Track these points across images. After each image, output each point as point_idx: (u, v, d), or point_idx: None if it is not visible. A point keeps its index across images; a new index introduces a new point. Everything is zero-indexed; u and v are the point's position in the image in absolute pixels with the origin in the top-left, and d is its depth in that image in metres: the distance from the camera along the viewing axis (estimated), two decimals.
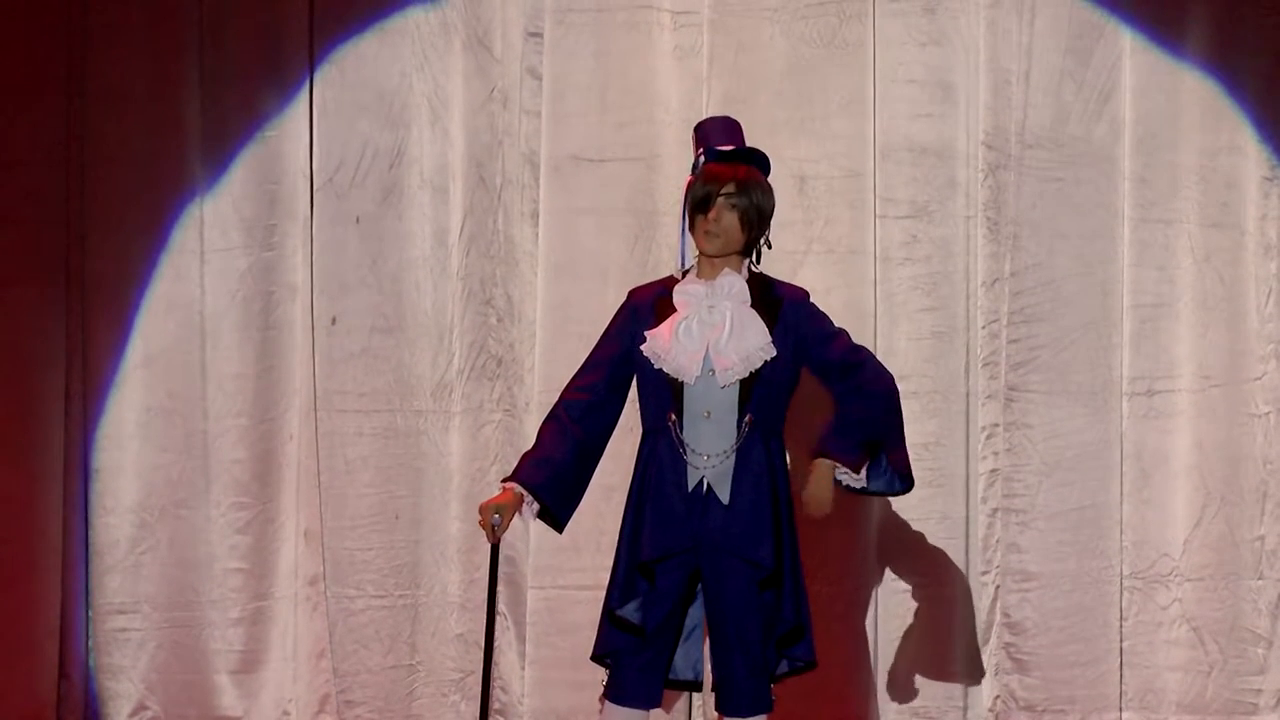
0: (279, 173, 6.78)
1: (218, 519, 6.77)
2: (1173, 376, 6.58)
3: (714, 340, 5.09)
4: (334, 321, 6.75)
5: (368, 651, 6.73)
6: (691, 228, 5.16)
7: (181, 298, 6.80)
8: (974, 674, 6.60)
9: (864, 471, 5.13)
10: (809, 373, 5.22)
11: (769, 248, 5.23)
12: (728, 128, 5.29)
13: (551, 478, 5.18)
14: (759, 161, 5.22)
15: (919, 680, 6.59)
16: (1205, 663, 6.56)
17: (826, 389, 5.23)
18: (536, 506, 5.19)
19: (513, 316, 6.73)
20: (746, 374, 5.09)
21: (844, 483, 5.13)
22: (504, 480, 5.23)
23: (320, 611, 6.74)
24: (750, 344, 5.09)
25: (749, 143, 5.27)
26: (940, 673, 6.60)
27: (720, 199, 5.12)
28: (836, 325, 5.22)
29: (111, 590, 6.77)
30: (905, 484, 5.19)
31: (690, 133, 5.38)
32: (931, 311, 6.63)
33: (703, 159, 5.21)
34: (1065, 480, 6.59)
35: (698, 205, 5.13)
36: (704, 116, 6.39)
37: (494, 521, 5.11)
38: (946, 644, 6.61)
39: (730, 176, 5.13)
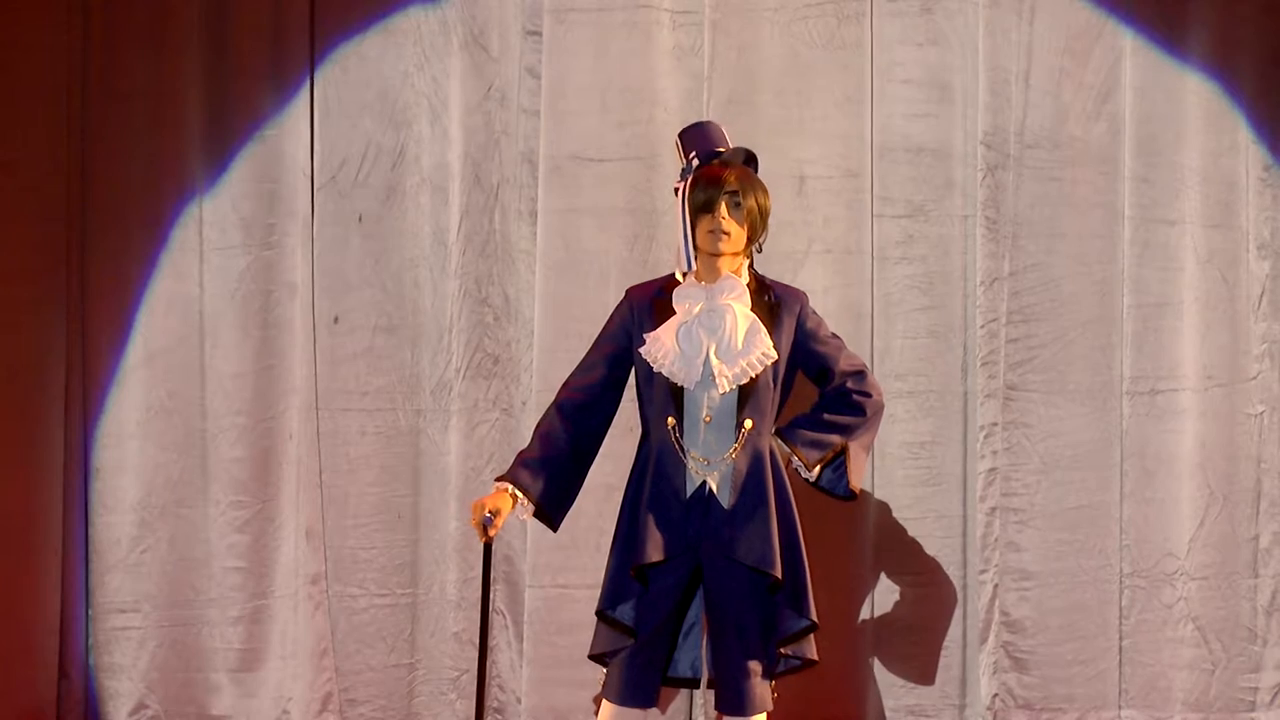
0: (279, 171, 6.77)
1: (217, 517, 6.76)
2: (1176, 376, 6.58)
3: (714, 345, 5.10)
4: (336, 320, 6.75)
5: (370, 650, 6.74)
6: (694, 230, 5.17)
7: (181, 296, 6.79)
8: (972, 672, 6.61)
9: (817, 469, 5.17)
10: (802, 374, 5.25)
11: (759, 250, 5.24)
12: (715, 132, 5.32)
13: (545, 478, 5.19)
14: (752, 162, 5.24)
15: (917, 678, 6.61)
16: (1210, 661, 6.57)
17: (818, 388, 5.25)
18: (531, 507, 5.20)
19: (509, 315, 6.73)
20: (747, 379, 5.09)
21: (794, 466, 5.17)
22: (497, 479, 5.23)
23: (322, 610, 6.74)
24: (750, 348, 5.09)
25: (750, 143, 5.29)
26: (938, 671, 6.61)
27: (724, 199, 5.13)
28: (833, 331, 5.26)
29: (111, 589, 6.77)
30: (849, 493, 5.21)
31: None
32: (928, 310, 6.64)
33: (696, 162, 5.22)
34: (1064, 479, 6.60)
35: (702, 207, 5.14)
36: (704, 116, 6.45)
37: (485, 521, 5.12)
38: (944, 642, 6.62)
39: (730, 176, 5.15)
